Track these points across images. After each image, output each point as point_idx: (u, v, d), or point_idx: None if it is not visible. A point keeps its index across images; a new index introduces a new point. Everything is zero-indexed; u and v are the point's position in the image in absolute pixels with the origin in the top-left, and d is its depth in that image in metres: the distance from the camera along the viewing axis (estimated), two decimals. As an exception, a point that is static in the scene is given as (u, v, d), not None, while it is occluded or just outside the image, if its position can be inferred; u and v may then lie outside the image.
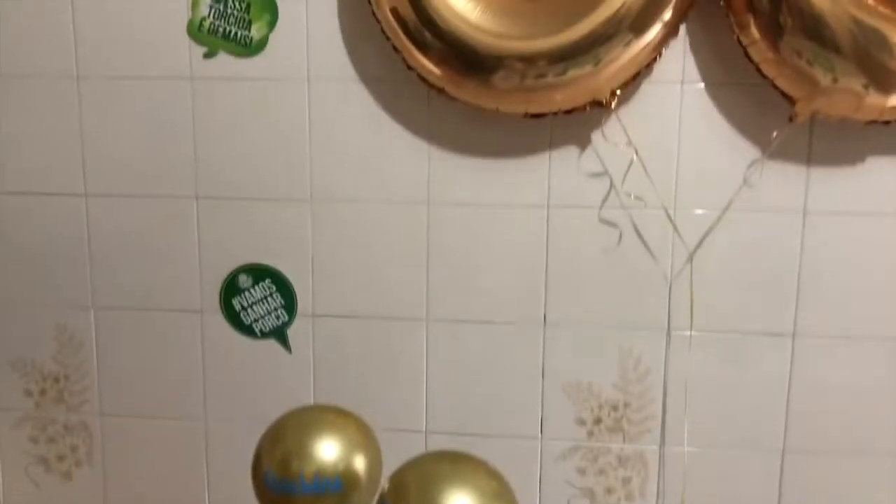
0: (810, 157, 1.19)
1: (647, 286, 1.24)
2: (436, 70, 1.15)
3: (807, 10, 1.04)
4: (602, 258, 1.25)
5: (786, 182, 1.20)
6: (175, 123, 1.28)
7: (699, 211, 1.21)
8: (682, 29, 1.14)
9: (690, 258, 1.22)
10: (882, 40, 1.04)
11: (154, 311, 1.35)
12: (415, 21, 1.13)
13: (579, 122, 1.19)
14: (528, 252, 1.26)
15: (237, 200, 1.30)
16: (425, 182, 1.26)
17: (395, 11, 1.14)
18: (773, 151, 1.18)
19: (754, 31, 1.08)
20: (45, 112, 1.30)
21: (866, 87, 1.06)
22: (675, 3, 1.10)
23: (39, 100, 1.30)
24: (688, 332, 1.25)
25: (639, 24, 1.09)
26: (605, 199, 1.22)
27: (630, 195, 1.20)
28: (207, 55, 1.26)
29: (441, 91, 1.17)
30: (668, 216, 1.20)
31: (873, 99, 1.07)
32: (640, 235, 1.23)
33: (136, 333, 1.36)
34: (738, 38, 1.11)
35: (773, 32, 1.07)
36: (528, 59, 1.11)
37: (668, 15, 1.10)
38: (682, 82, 1.19)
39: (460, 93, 1.16)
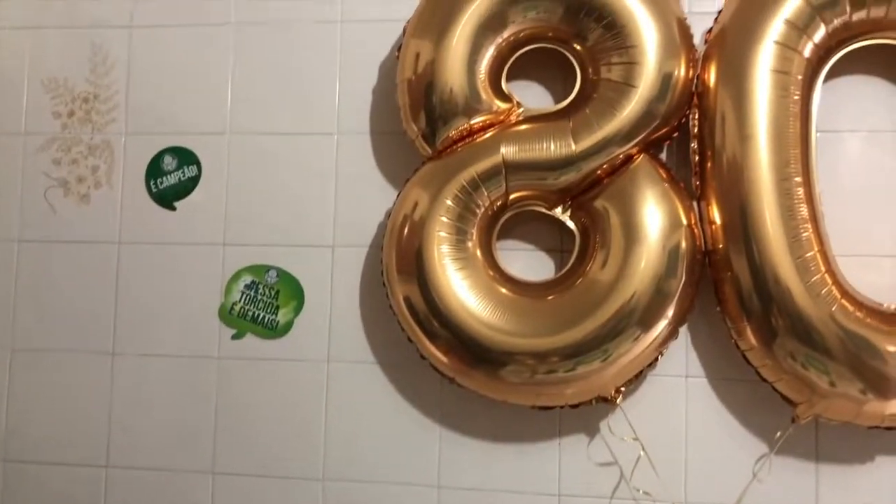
0: (818, 454, 1.20)
1: (663, 581, 1.21)
2: (445, 360, 1.20)
3: (795, 314, 1.09)
4: (615, 551, 1.23)
5: (795, 478, 1.20)
6: (199, 400, 1.34)
7: (710, 505, 1.21)
8: (683, 329, 1.20)
9: (704, 556, 1.20)
10: (872, 348, 1.08)
11: (159, 591, 1.33)
12: (425, 312, 1.19)
13: (587, 413, 1.23)
14: (540, 540, 1.25)
15: (251, 477, 1.32)
16: (436, 465, 1.28)
17: (407, 301, 1.21)
18: (781, 447, 1.19)
19: (750, 338, 1.13)
20: (77, 385, 1.38)
21: (864, 392, 1.09)
22: (678, 301, 1.16)
23: (73, 373, 1.38)
24: None
25: (646, 319, 1.15)
26: (615, 490, 1.23)
27: (639, 490, 1.21)
28: (235, 336, 1.34)
29: (451, 380, 1.22)
30: (679, 513, 1.20)
31: (872, 406, 1.09)
32: (652, 530, 1.22)
33: None
34: (736, 343, 1.16)
35: (767, 334, 1.12)
36: (540, 356, 1.16)
37: (671, 311, 1.16)
38: (686, 376, 1.23)
39: (469, 383, 1.21)
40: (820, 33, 1.13)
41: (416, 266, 1.20)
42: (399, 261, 1.22)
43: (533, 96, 1.30)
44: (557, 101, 1.27)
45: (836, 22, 1.13)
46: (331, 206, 1.34)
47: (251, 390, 1.34)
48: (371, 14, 1.35)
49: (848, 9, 1.12)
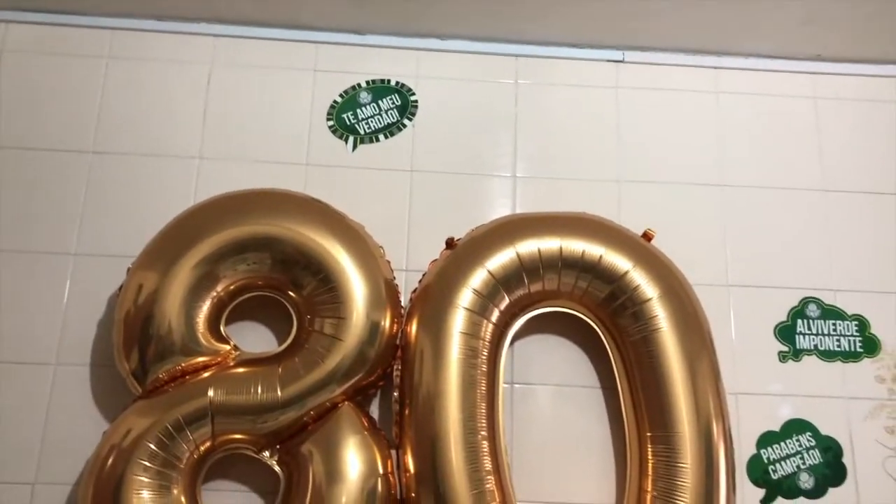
0: None
1: None
2: None
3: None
4: None
5: None
6: None
7: None
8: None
9: None
10: None
11: None
12: None
13: None
14: None
15: None
16: None
17: None
18: None
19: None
20: None
21: None
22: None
23: None
24: None
25: None
26: None
27: None
28: None
29: None
30: None
31: None
32: None
33: None
34: None
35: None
36: None
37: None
38: None
39: None
40: (504, 302, 1.28)
41: (112, 507, 1.17)
42: (94, 499, 1.18)
43: (258, 338, 1.36)
44: (282, 342, 1.33)
45: (518, 292, 1.29)
46: (37, 440, 1.29)
47: None
48: (104, 248, 1.38)
49: (526, 281, 1.28)
